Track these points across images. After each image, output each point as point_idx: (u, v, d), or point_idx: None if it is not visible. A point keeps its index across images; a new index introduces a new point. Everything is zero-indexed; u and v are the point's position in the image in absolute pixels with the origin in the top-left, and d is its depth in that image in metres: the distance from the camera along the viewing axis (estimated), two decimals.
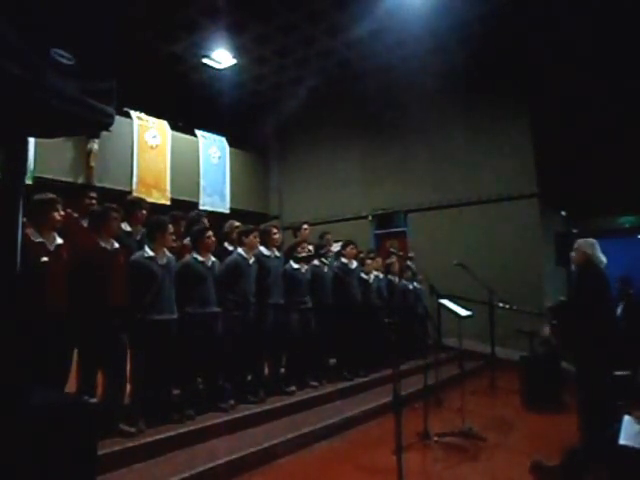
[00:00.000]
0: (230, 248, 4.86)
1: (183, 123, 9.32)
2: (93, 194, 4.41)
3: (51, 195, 3.28)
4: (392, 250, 5.89)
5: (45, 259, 3.12)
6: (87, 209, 4.20)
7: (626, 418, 2.77)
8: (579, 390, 3.69)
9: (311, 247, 5.49)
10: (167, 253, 3.89)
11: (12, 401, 1.29)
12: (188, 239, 4.79)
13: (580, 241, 3.78)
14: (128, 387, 3.64)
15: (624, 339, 5.55)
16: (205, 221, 4.95)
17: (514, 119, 8.27)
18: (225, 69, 9.42)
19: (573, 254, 3.78)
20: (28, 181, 6.16)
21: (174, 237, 4.03)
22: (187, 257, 4.18)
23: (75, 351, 3.49)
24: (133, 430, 3.40)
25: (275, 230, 5.03)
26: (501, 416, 4.98)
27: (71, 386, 3.46)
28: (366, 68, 9.55)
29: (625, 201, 8.22)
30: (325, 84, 10.13)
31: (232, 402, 4.18)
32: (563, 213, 9.30)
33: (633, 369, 5.26)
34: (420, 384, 4.54)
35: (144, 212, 4.25)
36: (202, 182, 9.46)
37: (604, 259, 3.68)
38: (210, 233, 4.22)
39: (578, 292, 3.65)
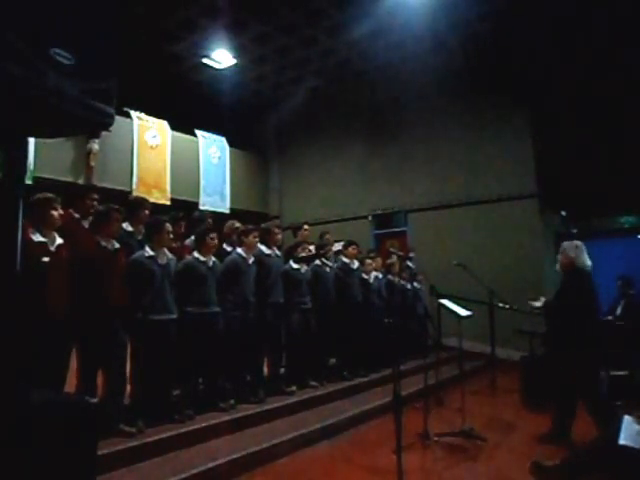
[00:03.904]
0: (229, 249, 4.86)
1: (183, 123, 9.31)
2: (95, 195, 4.41)
3: (48, 194, 3.28)
4: (392, 250, 5.90)
5: (46, 259, 3.12)
6: (89, 210, 4.20)
7: (626, 418, 2.77)
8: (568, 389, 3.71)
9: (312, 247, 5.50)
10: (167, 253, 3.89)
11: (12, 401, 1.29)
12: (190, 239, 4.80)
13: (565, 244, 3.79)
14: (128, 387, 3.64)
15: (624, 339, 5.56)
16: (210, 222, 4.95)
17: (514, 119, 8.27)
18: (225, 69, 9.43)
19: (559, 257, 3.79)
20: (28, 181, 6.17)
21: (172, 236, 4.01)
22: (188, 257, 4.18)
23: (74, 351, 3.48)
24: (133, 430, 3.40)
25: (277, 230, 5.03)
26: (501, 416, 4.98)
27: (71, 386, 3.46)
28: (366, 68, 9.55)
29: (625, 201, 8.22)
30: (325, 84, 10.14)
31: (232, 402, 4.18)
32: (563, 213, 9.30)
33: (632, 369, 5.27)
34: (420, 384, 4.54)
35: (146, 212, 4.25)
36: (202, 182, 9.46)
37: (589, 262, 3.68)
38: (214, 234, 4.23)
39: (563, 294, 3.65)
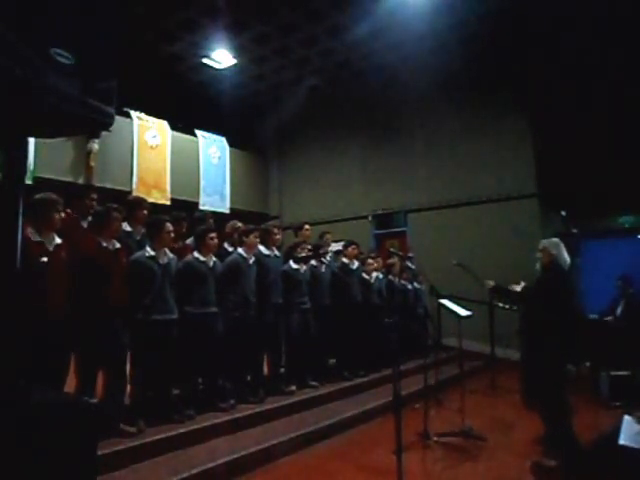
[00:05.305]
0: (230, 249, 4.86)
1: (183, 123, 9.32)
2: (94, 194, 4.40)
3: (53, 196, 3.27)
4: (392, 250, 5.89)
5: (45, 259, 3.12)
6: (88, 209, 4.20)
7: (626, 418, 2.77)
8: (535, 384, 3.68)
9: (310, 247, 5.49)
10: (168, 253, 3.89)
11: (12, 401, 1.29)
12: (190, 239, 4.80)
13: (545, 242, 3.75)
14: (128, 387, 3.64)
15: (624, 339, 5.56)
16: (211, 222, 4.95)
17: (514, 119, 8.26)
18: (225, 69, 9.43)
19: (539, 255, 3.75)
20: (28, 181, 6.17)
21: (173, 236, 4.01)
22: (189, 257, 4.18)
23: (73, 351, 3.48)
24: (133, 430, 3.40)
25: (276, 230, 5.03)
26: (501, 416, 4.98)
27: (70, 386, 3.46)
28: (366, 68, 9.55)
29: (625, 201, 8.21)
30: (325, 84, 10.14)
31: (232, 402, 4.18)
32: (563, 213, 9.30)
33: (632, 369, 5.27)
34: (420, 384, 4.55)
35: (145, 212, 4.25)
36: (202, 182, 9.45)
37: (569, 259, 3.65)
38: (213, 234, 4.23)
39: (544, 292, 3.62)
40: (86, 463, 1.38)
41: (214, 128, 9.92)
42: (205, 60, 9.10)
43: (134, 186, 8.17)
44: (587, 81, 7.44)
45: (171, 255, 3.92)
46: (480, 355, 7.11)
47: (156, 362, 3.63)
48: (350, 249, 5.94)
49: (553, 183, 8.12)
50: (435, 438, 4.09)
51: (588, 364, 5.91)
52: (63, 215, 3.36)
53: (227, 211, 9.75)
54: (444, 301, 5.08)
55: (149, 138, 8.55)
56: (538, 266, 3.75)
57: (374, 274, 6.21)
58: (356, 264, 5.94)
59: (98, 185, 7.40)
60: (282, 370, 5.03)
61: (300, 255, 5.17)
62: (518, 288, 3.86)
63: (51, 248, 3.21)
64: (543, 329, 3.53)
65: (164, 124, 8.88)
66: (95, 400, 3.43)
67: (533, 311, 3.73)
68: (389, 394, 3.09)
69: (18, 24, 1.17)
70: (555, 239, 3.76)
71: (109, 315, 3.44)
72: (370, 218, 9.93)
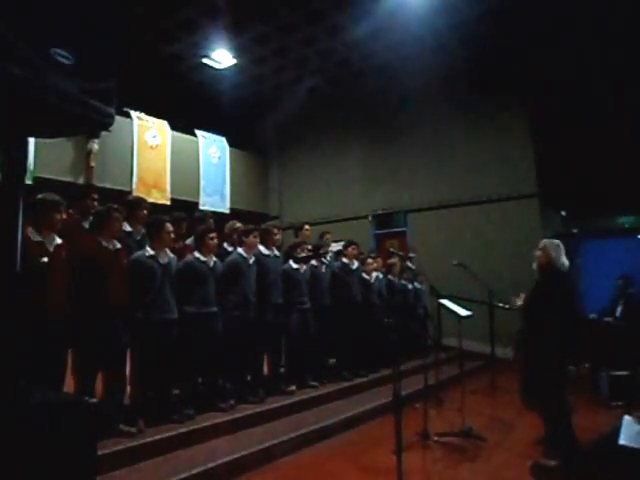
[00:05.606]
0: (230, 249, 4.86)
1: (183, 123, 9.31)
2: (95, 195, 4.40)
3: (55, 197, 3.27)
4: (392, 250, 5.89)
5: (45, 259, 3.12)
6: (89, 209, 4.20)
7: (626, 418, 2.77)
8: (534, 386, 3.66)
9: (310, 247, 5.49)
10: (168, 253, 3.89)
11: (12, 401, 1.29)
12: (190, 239, 4.81)
13: (546, 241, 3.69)
14: (128, 387, 3.64)
15: (623, 339, 5.56)
16: (211, 222, 4.96)
17: (514, 119, 8.27)
18: (225, 69, 9.43)
19: (538, 253, 3.68)
20: (28, 181, 6.16)
21: (173, 236, 4.01)
22: (189, 257, 4.19)
23: (70, 351, 3.47)
24: (133, 430, 3.40)
25: (276, 230, 5.04)
26: (501, 416, 4.98)
27: (70, 386, 3.46)
28: (366, 68, 9.55)
29: (625, 201, 8.21)
30: (325, 84, 10.14)
31: (232, 402, 4.18)
32: (563, 213, 9.30)
33: (632, 369, 5.27)
34: (420, 384, 4.54)
35: (145, 212, 4.25)
36: (202, 182, 9.45)
37: (567, 262, 3.60)
38: (213, 234, 4.23)
39: (543, 294, 3.58)
40: (86, 463, 1.38)
41: (214, 128, 9.92)
42: (205, 60, 9.09)
43: (134, 186, 8.16)
44: (587, 81, 7.44)
45: (171, 255, 3.92)
46: (480, 355, 7.10)
47: (156, 362, 3.63)
48: (350, 249, 5.94)
49: (553, 183, 8.12)
50: (435, 438, 4.09)
51: (588, 364, 5.90)
52: (65, 216, 3.36)
53: (227, 211, 9.75)
54: (444, 301, 5.08)
55: (149, 138, 8.55)
56: (535, 265, 3.71)
57: (374, 274, 6.21)
58: (356, 264, 5.94)
59: (98, 185, 7.39)
60: (282, 370, 5.04)
61: (300, 255, 5.17)
62: (519, 302, 3.81)
63: (51, 248, 3.20)
64: (543, 329, 3.53)
65: (164, 124, 8.88)
66: (95, 400, 3.43)
67: (533, 312, 3.72)
68: (389, 394, 3.09)
69: (18, 24, 1.17)
70: (556, 240, 3.71)
71: (109, 315, 3.44)
72: (370, 218, 9.94)
